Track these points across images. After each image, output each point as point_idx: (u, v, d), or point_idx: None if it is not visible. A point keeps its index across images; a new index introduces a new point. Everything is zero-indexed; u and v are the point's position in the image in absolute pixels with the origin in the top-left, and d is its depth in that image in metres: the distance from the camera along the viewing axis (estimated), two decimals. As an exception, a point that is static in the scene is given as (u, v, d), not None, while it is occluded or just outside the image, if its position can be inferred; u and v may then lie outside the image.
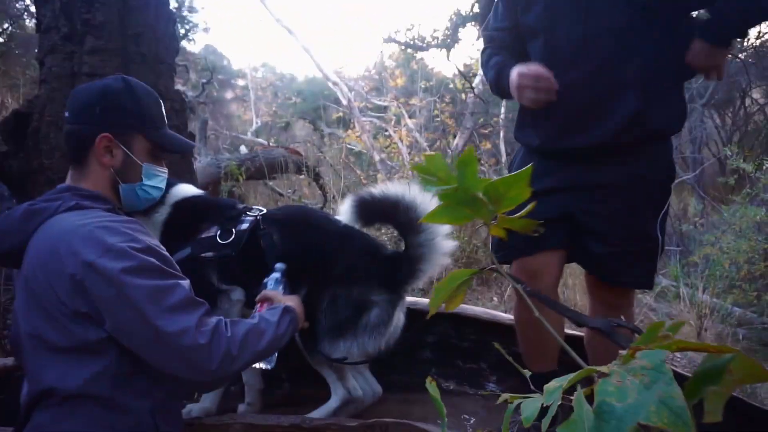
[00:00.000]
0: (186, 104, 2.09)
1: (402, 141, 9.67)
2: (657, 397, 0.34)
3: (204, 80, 8.25)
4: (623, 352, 0.40)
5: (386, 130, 10.55)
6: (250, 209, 1.45)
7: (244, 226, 1.38)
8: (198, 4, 15.39)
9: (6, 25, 12.99)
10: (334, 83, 10.81)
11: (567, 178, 1.48)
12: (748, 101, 8.62)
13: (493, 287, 4.30)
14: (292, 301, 1.25)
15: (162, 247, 1.11)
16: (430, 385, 0.53)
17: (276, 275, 1.34)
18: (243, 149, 7.33)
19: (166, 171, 1.26)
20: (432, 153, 0.54)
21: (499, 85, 1.55)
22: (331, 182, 5.63)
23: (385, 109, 11.59)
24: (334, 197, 4.89)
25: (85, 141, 1.14)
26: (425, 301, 1.86)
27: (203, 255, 1.33)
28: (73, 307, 1.02)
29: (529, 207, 0.60)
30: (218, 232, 1.35)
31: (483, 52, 1.63)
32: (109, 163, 1.15)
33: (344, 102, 10.65)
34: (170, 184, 1.42)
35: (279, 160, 4.84)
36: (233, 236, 1.34)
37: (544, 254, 1.52)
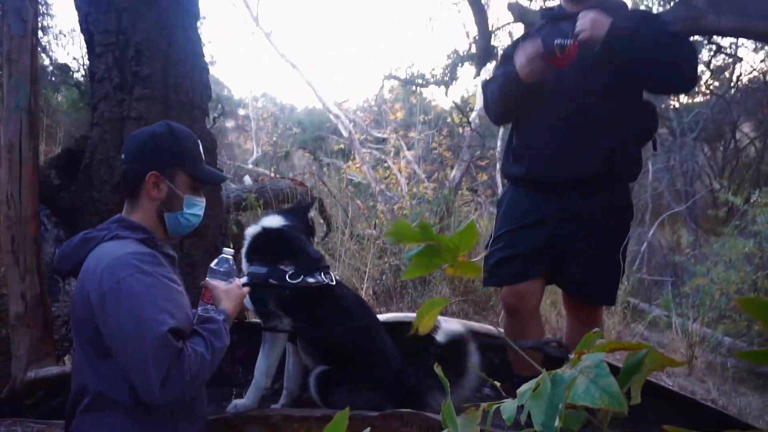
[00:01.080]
0: (216, 143, 2.33)
1: (401, 172, 9.91)
2: (600, 387, 0.49)
3: (215, 114, 8.52)
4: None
5: (386, 162, 10.81)
6: (327, 271, 1.64)
7: (311, 280, 1.57)
8: (204, 39, 15.84)
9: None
10: (336, 116, 11.12)
11: (551, 210, 1.74)
12: (738, 134, 8.91)
13: (491, 313, 4.47)
14: (230, 300, 1.37)
15: (168, 277, 1.26)
16: (437, 368, 0.71)
17: (226, 257, 1.45)
18: (247, 179, 7.53)
19: (204, 200, 1.43)
20: (400, 218, 0.72)
21: (508, 80, 1.75)
22: (334, 212, 5.85)
23: (384, 141, 11.89)
24: (337, 227, 5.10)
25: (137, 178, 1.32)
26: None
27: (271, 280, 1.53)
28: (93, 318, 1.20)
29: (482, 255, 0.81)
30: (291, 273, 1.55)
31: (485, 86, 1.89)
32: (156, 196, 1.33)
33: (345, 134, 10.94)
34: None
35: (285, 191, 5.05)
36: (299, 281, 1.54)
37: (530, 282, 1.78)
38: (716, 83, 8.47)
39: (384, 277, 4.43)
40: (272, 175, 8.55)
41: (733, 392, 4.17)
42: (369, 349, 1.64)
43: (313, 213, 1.88)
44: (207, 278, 1.43)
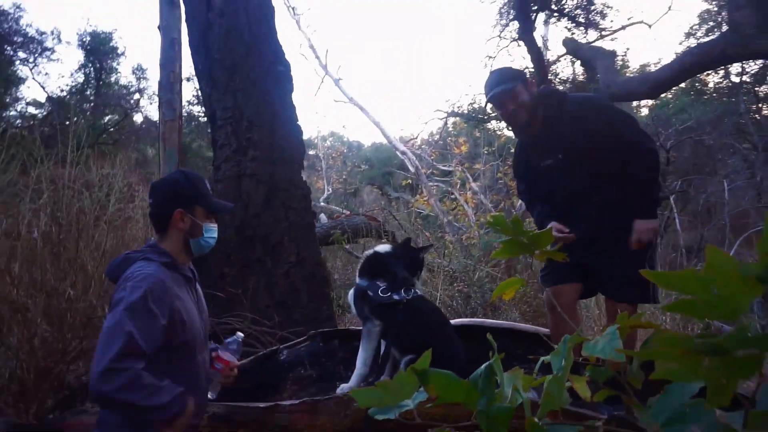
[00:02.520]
0: (310, 190, 2.84)
1: (467, 203, 10.25)
2: (609, 345, 0.88)
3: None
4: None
5: (452, 194, 11.18)
6: (413, 287, 2.09)
7: (396, 297, 2.02)
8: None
9: (118, 117, 15.05)
10: (402, 152, 11.67)
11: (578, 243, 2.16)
12: None
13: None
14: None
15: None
16: (489, 336, 1.10)
17: (237, 339, 1.82)
18: (323, 217, 8.11)
19: (216, 226, 1.76)
20: (497, 213, 1.10)
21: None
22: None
23: (450, 174, 12.28)
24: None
25: (166, 216, 1.66)
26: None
27: (368, 291, 1.98)
28: None
29: (558, 245, 1.18)
30: (383, 288, 2.00)
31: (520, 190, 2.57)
32: (182, 227, 1.66)
33: (412, 169, 11.44)
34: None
35: (360, 227, 5.55)
36: (388, 296, 1.98)
37: (566, 285, 2.31)
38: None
39: (454, 302, 4.78)
40: (346, 212, 9.13)
41: None
42: (442, 341, 2.03)
43: (425, 254, 2.35)
44: (219, 350, 1.77)
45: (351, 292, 2.03)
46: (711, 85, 14.91)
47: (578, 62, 7.16)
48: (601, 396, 1.08)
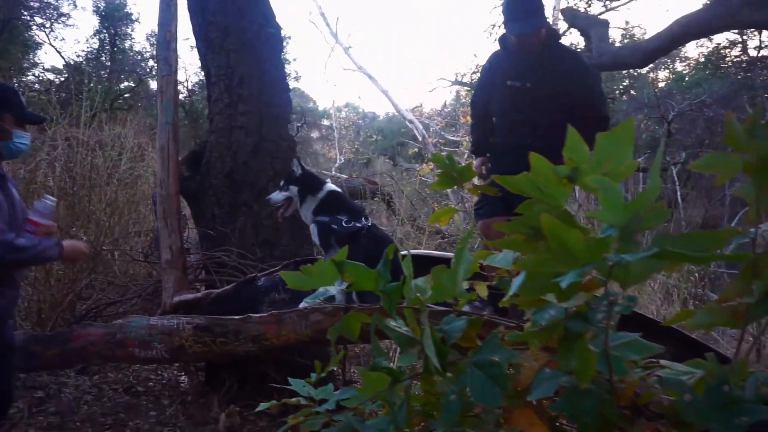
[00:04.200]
0: (295, 144, 3.09)
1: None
2: (504, 256, 1.15)
3: (298, 124, 9.49)
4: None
5: (459, 163, 11.33)
6: (367, 217, 2.33)
7: (359, 225, 2.27)
8: (290, 56, 17.22)
9: (133, 84, 15.34)
10: (410, 122, 11.83)
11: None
12: None
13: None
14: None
15: None
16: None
17: (46, 202, 1.91)
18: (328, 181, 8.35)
19: (29, 134, 1.94)
20: (438, 153, 1.33)
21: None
22: (406, 207, 6.53)
23: (458, 144, 12.43)
24: (402, 221, 5.78)
25: None
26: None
27: (332, 225, 2.24)
28: None
29: (488, 181, 1.41)
30: (344, 220, 2.25)
31: (471, 114, 2.62)
32: None
33: (420, 138, 11.62)
34: (324, 182, 2.40)
35: (359, 188, 5.81)
36: (351, 225, 2.24)
37: (495, 218, 2.48)
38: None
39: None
40: (349, 176, 9.38)
41: None
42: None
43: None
44: (29, 214, 1.92)
45: (313, 227, 2.28)
46: (729, 59, 14.75)
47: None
48: (481, 291, 1.33)
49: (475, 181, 2.99)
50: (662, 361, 1.05)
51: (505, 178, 1.00)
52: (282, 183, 2.39)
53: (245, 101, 2.82)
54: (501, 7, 2.62)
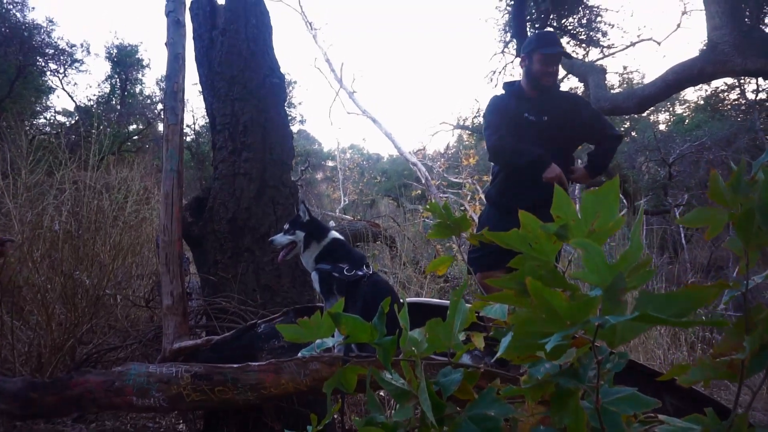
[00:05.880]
0: (297, 189, 3.14)
1: (476, 214, 10.49)
2: (500, 308, 1.16)
3: (302, 167, 9.61)
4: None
5: (462, 205, 11.43)
6: (368, 265, 2.34)
7: (360, 273, 2.26)
8: (295, 100, 17.59)
9: (142, 126, 15.66)
10: (413, 164, 11.97)
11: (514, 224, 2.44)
12: None
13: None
14: None
15: None
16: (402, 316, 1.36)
17: None
18: (332, 224, 8.40)
19: None
20: (433, 202, 1.37)
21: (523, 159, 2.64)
22: (408, 250, 6.54)
23: (461, 185, 12.53)
24: (405, 264, 5.78)
25: None
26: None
27: (333, 273, 2.25)
28: None
29: (484, 231, 1.44)
30: (346, 268, 2.26)
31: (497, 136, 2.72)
32: None
33: (423, 180, 11.73)
34: (328, 229, 2.41)
35: (362, 231, 5.84)
36: (351, 275, 2.24)
37: (496, 271, 2.49)
38: None
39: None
40: (354, 218, 9.43)
41: None
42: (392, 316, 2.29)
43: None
44: None
45: (314, 275, 2.29)
46: (728, 102, 14.99)
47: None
48: (478, 342, 1.33)
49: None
50: (661, 417, 1.04)
51: (496, 235, 1.02)
52: (286, 227, 2.41)
53: (248, 148, 2.89)
54: (527, 41, 2.86)
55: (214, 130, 3.05)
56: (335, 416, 2.21)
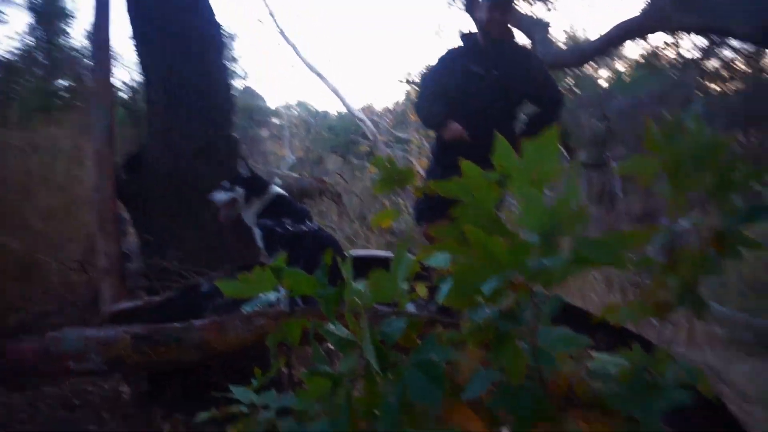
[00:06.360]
0: (238, 144, 3.01)
1: (423, 169, 10.54)
2: (442, 256, 1.15)
3: (245, 123, 9.33)
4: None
5: (409, 159, 11.44)
6: (312, 219, 2.31)
7: (305, 228, 2.24)
8: (237, 54, 16.87)
9: (70, 82, 14.64)
10: (360, 120, 11.83)
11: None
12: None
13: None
14: None
15: None
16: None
17: None
18: (277, 181, 8.26)
19: None
20: (378, 156, 1.35)
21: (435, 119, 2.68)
22: (355, 205, 6.53)
23: (408, 141, 12.50)
24: (352, 220, 5.79)
25: None
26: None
27: (276, 228, 2.20)
28: None
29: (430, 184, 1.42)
30: (289, 223, 2.21)
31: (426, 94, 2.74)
32: None
33: (370, 136, 11.63)
34: (271, 185, 2.35)
35: (308, 188, 5.77)
36: (294, 229, 2.20)
37: (440, 223, 2.51)
38: None
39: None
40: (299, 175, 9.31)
41: (733, 358, 4.62)
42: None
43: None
44: None
45: (257, 231, 2.25)
46: (665, 60, 15.48)
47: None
48: (421, 291, 1.34)
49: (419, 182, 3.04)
50: (593, 353, 1.09)
51: (438, 184, 1.02)
52: (226, 183, 2.34)
53: (184, 102, 2.74)
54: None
55: (147, 84, 2.88)
56: (284, 370, 2.22)
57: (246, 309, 2.03)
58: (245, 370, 2.24)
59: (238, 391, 1.32)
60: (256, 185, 2.30)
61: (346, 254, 1.17)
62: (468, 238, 0.76)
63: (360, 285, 1.18)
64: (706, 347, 4.75)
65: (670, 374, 0.96)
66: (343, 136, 19.92)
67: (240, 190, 2.28)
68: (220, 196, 2.30)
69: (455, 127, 2.58)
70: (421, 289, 1.39)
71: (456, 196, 0.99)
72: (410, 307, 1.96)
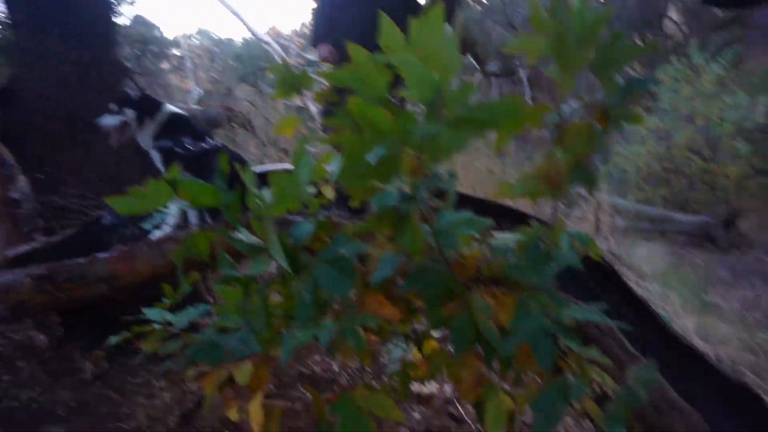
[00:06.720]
0: (125, 67, 2.77)
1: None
2: None
3: (138, 52, 8.61)
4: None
5: (320, 82, 11.11)
6: (212, 139, 2.19)
7: (207, 146, 2.12)
8: (120, -24, 15.22)
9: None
10: (267, 43, 11.24)
11: None
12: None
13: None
14: None
15: None
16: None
17: None
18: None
19: None
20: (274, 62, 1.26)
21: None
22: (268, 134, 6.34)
23: (319, 63, 12.09)
24: (264, 144, 5.64)
25: None
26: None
27: (176, 148, 2.08)
28: None
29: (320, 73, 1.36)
30: (189, 141, 2.09)
31: None
32: None
33: (279, 61, 11.12)
34: (163, 103, 2.18)
35: (216, 118, 5.49)
36: (199, 146, 2.09)
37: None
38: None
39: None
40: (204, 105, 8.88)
41: (633, 244, 5.06)
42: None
43: None
44: None
45: (155, 153, 2.12)
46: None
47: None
48: (327, 192, 1.34)
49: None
50: (495, 233, 1.14)
51: (327, 73, 0.99)
52: (113, 106, 2.15)
53: (55, 23, 2.45)
54: None
55: (11, 5, 2.53)
56: (202, 288, 2.19)
57: (146, 227, 1.97)
58: (162, 299, 2.20)
59: (150, 312, 1.29)
60: (147, 106, 2.14)
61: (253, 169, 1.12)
62: (356, 116, 0.75)
63: (263, 192, 1.15)
64: (609, 236, 5.20)
65: (563, 243, 1.02)
66: (251, 64, 18.93)
67: (130, 112, 2.11)
68: (108, 120, 2.12)
69: (322, 49, 2.60)
70: (327, 191, 1.38)
71: (347, 84, 0.96)
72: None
